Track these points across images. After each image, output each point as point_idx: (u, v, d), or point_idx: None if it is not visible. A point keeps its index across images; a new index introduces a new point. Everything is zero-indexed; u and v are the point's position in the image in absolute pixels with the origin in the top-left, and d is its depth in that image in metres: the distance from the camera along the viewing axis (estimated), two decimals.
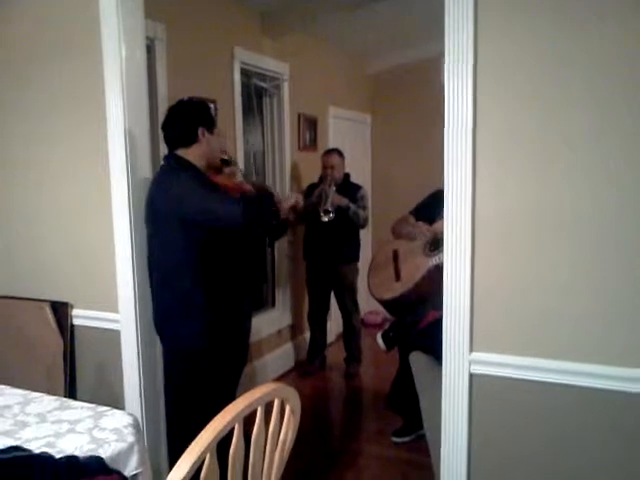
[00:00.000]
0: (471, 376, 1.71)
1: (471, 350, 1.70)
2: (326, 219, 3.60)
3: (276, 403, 1.25)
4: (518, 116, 1.58)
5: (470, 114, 1.62)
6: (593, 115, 1.50)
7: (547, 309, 1.60)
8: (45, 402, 1.77)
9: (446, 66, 1.64)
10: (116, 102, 2.16)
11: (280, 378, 4.08)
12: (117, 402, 2.27)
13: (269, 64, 3.97)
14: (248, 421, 1.18)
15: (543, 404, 1.63)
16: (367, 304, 4.78)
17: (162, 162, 2.32)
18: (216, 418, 1.09)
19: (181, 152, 2.21)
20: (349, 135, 5.26)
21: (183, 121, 2.21)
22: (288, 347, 4.37)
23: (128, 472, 1.50)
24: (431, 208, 2.81)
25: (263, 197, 2.28)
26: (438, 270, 2.35)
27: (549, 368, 1.61)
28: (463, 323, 1.70)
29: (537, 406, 1.64)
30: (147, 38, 2.37)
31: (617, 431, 1.55)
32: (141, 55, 2.26)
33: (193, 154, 2.20)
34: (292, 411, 1.31)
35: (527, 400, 1.66)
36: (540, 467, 1.66)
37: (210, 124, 2.24)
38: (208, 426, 1.07)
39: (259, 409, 1.20)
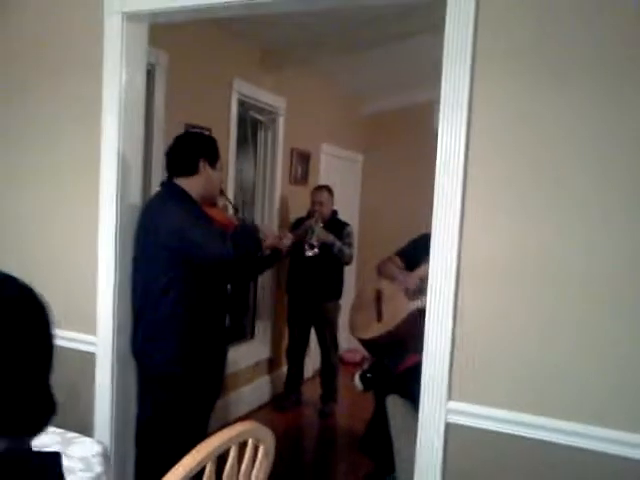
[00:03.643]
0: (447, 425, 1.69)
1: (449, 398, 1.69)
2: (310, 254, 3.60)
3: (250, 443, 1.23)
4: (510, 166, 1.60)
5: (462, 161, 1.64)
6: (585, 171, 1.53)
7: (530, 362, 1.59)
8: None
9: (441, 113, 1.67)
10: (112, 124, 2.16)
11: (255, 411, 4.02)
12: (87, 426, 2.21)
13: (266, 97, 4.03)
14: (220, 459, 1.16)
15: (522, 460, 1.61)
16: (347, 342, 4.75)
17: (158, 188, 2.32)
18: (188, 455, 1.07)
19: (180, 181, 2.22)
20: (340, 172, 5.31)
21: (187, 151, 2.24)
22: (265, 380, 4.31)
23: None
24: (417, 251, 2.82)
25: (248, 229, 2.28)
26: (420, 314, 2.36)
27: (531, 423, 1.58)
28: (442, 371, 1.69)
29: (516, 461, 1.62)
30: (148, 64, 2.40)
31: None
32: (141, 80, 2.28)
33: (191, 185, 2.21)
34: (266, 453, 1.29)
35: (505, 454, 1.63)
36: None
37: (213, 158, 2.27)
38: (180, 464, 1.05)
39: (233, 448, 1.18)
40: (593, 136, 1.52)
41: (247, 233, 2.21)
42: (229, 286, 2.40)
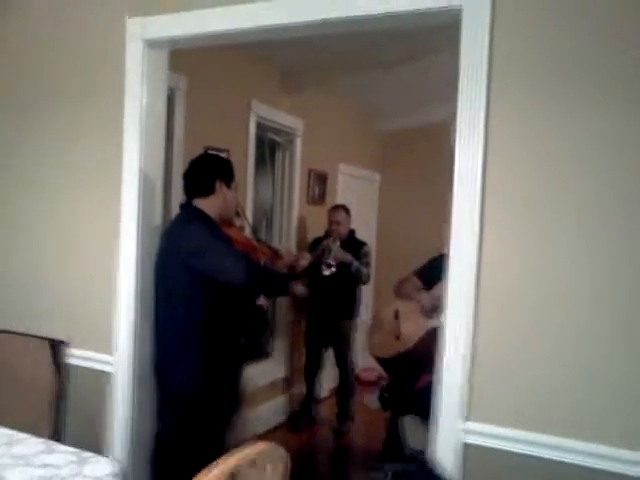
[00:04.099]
0: (465, 446, 1.68)
1: (466, 419, 1.68)
2: (327, 273, 3.60)
3: (268, 467, 1.24)
4: (529, 184, 1.60)
5: (479, 180, 1.64)
6: (607, 191, 1.52)
7: (547, 383, 1.58)
8: (31, 444, 1.74)
9: (457, 131, 1.68)
10: (134, 148, 2.21)
11: (271, 431, 4.00)
12: (104, 446, 2.23)
13: (284, 119, 4.08)
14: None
15: None
16: (363, 361, 4.72)
17: (179, 210, 2.37)
18: (202, 473, 1.08)
19: (197, 202, 2.27)
20: (357, 192, 5.33)
21: (202, 172, 2.30)
22: (281, 400, 4.30)
23: None
24: (435, 271, 2.81)
25: (273, 273, 2.34)
26: (438, 332, 2.35)
27: (548, 444, 1.57)
28: (460, 391, 1.68)
29: None
30: (168, 88, 2.46)
31: None
32: (162, 105, 2.33)
33: (209, 205, 2.26)
34: (281, 473, 1.29)
35: (523, 475, 1.61)
36: None
37: (228, 178, 2.32)
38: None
39: (248, 467, 1.19)
40: (614, 153, 1.52)
41: (269, 274, 2.26)
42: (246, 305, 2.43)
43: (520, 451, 1.61)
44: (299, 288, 2.44)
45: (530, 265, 1.61)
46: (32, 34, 2.47)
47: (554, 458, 1.57)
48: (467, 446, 1.68)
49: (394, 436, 2.71)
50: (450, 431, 1.70)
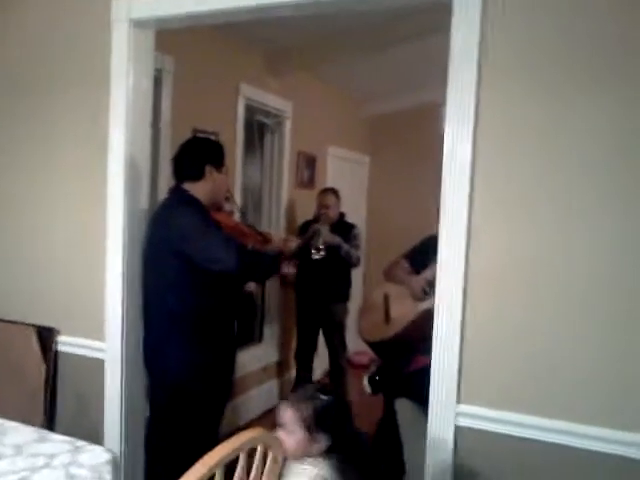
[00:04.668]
0: (457, 428, 1.70)
1: (458, 402, 1.69)
2: (317, 257, 3.58)
3: (259, 450, 1.23)
4: (517, 169, 1.60)
5: (468, 165, 1.64)
6: (593, 177, 1.52)
7: (539, 365, 1.59)
8: (23, 433, 1.72)
9: (447, 114, 1.67)
10: (119, 130, 2.18)
11: (264, 415, 4.01)
12: (97, 433, 2.22)
13: (273, 101, 4.04)
14: (229, 466, 1.16)
15: (534, 463, 1.61)
16: (355, 344, 4.74)
17: (167, 194, 2.33)
18: (198, 463, 1.07)
19: (187, 186, 2.24)
20: (347, 174, 5.31)
21: (192, 156, 2.26)
22: (273, 384, 4.31)
23: None
24: (425, 253, 2.81)
25: (263, 255, 2.31)
26: (428, 315, 2.35)
27: (541, 426, 1.59)
28: (451, 374, 1.69)
29: (527, 465, 1.62)
30: (155, 69, 2.41)
31: None
32: (148, 86, 2.29)
33: (198, 190, 2.23)
34: (274, 459, 1.29)
35: (517, 458, 1.63)
36: None
37: (219, 163, 2.28)
38: (189, 471, 1.05)
39: (241, 455, 1.18)
40: (605, 138, 1.51)
41: (259, 257, 2.24)
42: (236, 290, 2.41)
43: (511, 433, 1.62)
44: (288, 267, 2.42)
45: (519, 247, 1.61)
46: (16, 19, 2.41)
47: (547, 440, 1.58)
48: (459, 429, 1.69)
49: (388, 419, 2.73)
50: (443, 414, 1.70)
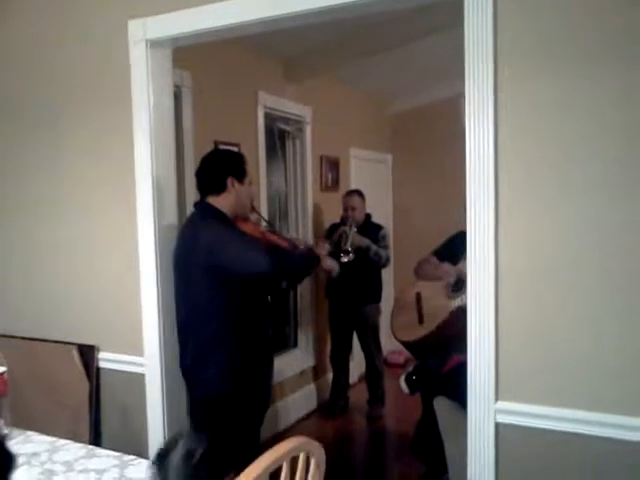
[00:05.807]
0: (497, 425, 1.68)
1: (497, 399, 1.67)
2: (345, 260, 3.60)
3: (301, 458, 1.24)
4: (540, 161, 1.58)
5: (492, 158, 1.63)
6: (620, 166, 1.49)
7: (577, 358, 1.57)
8: (72, 450, 1.78)
9: (466, 109, 1.66)
10: (144, 148, 2.22)
11: (303, 420, 4.03)
12: (141, 448, 2.26)
13: (292, 108, 4.06)
14: (272, 475, 1.18)
15: (575, 456, 1.59)
16: (390, 344, 4.73)
17: (192, 209, 2.37)
18: (241, 476, 1.08)
19: (211, 200, 2.26)
20: (370, 175, 5.30)
21: (213, 169, 2.28)
22: (311, 388, 4.33)
23: None
24: (454, 250, 2.80)
25: (295, 254, 2.33)
26: (461, 312, 2.34)
27: (583, 419, 1.56)
28: (488, 372, 1.67)
29: (569, 458, 1.60)
30: (174, 85, 2.45)
31: None
32: (169, 103, 2.33)
33: (222, 202, 2.25)
34: (317, 465, 1.30)
35: (558, 452, 1.61)
36: None
37: (240, 175, 2.29)
38: None
39: (284, 465, 1.20)
40: (624, 126, 1.48)
41: (292, 256, 2.26)
42: (269, 296, 2.42)
43: (555, 428, 1.60)
44: (329, 262, 2.42)
45: (548, 240, 1.59)
46: (33, 40, 2.47)
47: (589, 433, 1.55)
48: (499, 425, 1.68)
49: (427, 418, 2.72)
50: (482, 411, 1.69)
